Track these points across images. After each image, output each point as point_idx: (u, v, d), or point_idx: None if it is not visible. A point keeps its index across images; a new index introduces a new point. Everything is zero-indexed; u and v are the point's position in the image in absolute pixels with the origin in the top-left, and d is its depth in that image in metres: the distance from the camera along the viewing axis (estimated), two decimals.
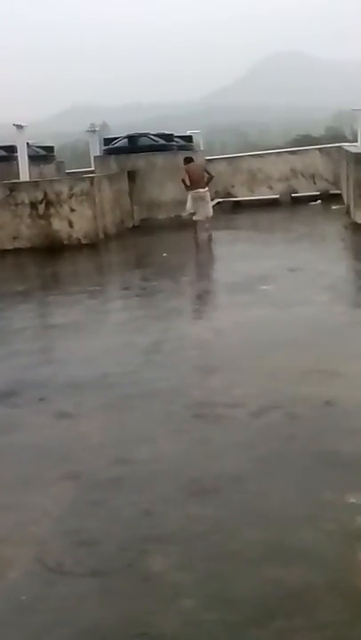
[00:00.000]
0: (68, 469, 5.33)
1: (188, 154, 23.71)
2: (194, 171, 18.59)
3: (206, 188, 18.52)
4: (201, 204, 18.51)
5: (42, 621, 3.64)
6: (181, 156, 23.29)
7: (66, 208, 18.00)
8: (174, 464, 5.30)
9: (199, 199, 18.46)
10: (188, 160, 19.19)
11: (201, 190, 18.40)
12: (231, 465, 5.21)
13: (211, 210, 18.91)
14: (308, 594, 3.67)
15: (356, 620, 3.43)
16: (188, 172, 18.42)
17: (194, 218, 18.50)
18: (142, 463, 5.37)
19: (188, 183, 18.37)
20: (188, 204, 18.60)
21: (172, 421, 6.13)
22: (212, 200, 19.33)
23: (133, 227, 21.22)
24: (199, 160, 20.10)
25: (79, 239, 17.92)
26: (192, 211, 18.65)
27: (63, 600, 3.80)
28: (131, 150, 22.72)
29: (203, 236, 18.28)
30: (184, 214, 19.28)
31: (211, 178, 18.81)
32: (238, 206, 24.25)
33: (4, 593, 3.89)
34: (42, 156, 24.33)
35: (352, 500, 4.53)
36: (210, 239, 18.18)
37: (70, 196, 18.01)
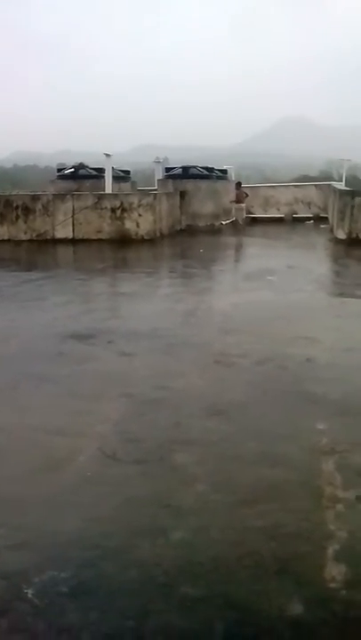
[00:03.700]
0: (125, 390, 5.34)
1: (223, 182, 23.72)
2: (239, 192, 22.88)
3: (244, 204, 22.93)
4: (240, 212, 22.77)
5: (101, 491, 3.66)
6: (219, 183, 23.30)
7: (135, 214, 17.93)
8: (199, 392, 5.29)
9: (239, 209, 22.78)
10: (238, 185, 23.43)
11: (241, 204, 22.83)
12: (238, 396, 5.20)
13: (244, 215, 23.00)
14: (285, 487, 3.66)
15: (316, 507, 3.42)
16: (237, 193, 22.79)
17: (236, 219, 22.52)
18: (176, 390, 5.37)
19: (234, 199, 22.86)
20: (233, 212, 22.96)
21: (199, 364, 6.11)
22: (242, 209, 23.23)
23: (181, 230, 21.11)
24: (240, 188, 23.50)
25: (142, 236, 17.85)
26: (231, 219, 22.94)
27: (115, 478, 3.82)
28: (183, 177, 22.58)
29: (239, 226, 21.94)
30: (216, 223, 20.49)
31: (247, 196, 23.40)
32: (255, 221, 24.05)
33: (76, 470, 3.91)
34: (121, 176, 24.23)
35: (320, 426, 4.50)
36: (244, 229, 21.48)
37: (139, 206, 17.93)
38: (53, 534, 3.21)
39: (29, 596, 2.70)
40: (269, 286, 10.39)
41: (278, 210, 25.94)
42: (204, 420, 4.70)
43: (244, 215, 22.88)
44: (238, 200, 22.76)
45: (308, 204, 25.90)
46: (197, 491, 3.63)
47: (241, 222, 22.17)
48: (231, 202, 22.90)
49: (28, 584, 2.77)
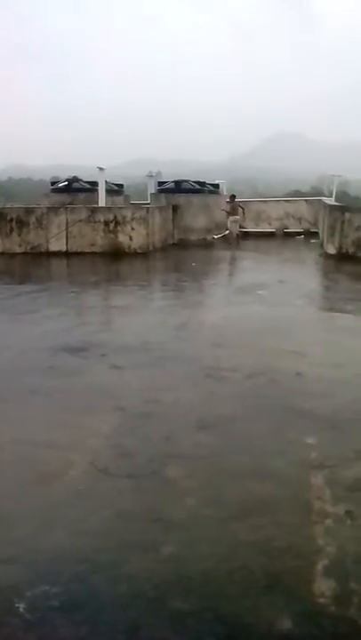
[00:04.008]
0: (116, 404, 5.34)
1: (215, 197, 23.79)
2: (234, 205, 21.99)
3: (238, 216, 22.04)
4: (234, 225, 21.84)
5: (92, 504, 3.66)
6: (211, 197, 23.37)
7: (128, 227, 17.96)
8: (189, 407, 5.29)
9: (233, 222, 21.81)
10: (232, 198, 22.41)
11: (236, 217, 21.90)
12: (228, 409, 5.20)
13: (237, 228, 22.13)
14: (274, 502, 3.67)
15: (305, 522, 3.43)
16: (231, 205, 21.90)
17: (231, 232, 21.82)
18: (167, 404, 5.37)
19: (229, 211, 21.81)
20: (228, 224, 21.92)
21: (190, 378, 6.12)
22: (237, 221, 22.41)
23: (173, 244, 21.15)
24: (234, 200, 22.48)
25: (135, 249, 17.87)
26: (223, 233, 22.17)
27: (107, 492, 3.82)
28: (176, 191, 22.67)
29: (233, 240, 21.29)
30: (208, 237, 20.36)
31: (243, 209, 22.89)
32: (246, 235, 24.12)
33: (68, 483, 3.91)
34: (115, 190, 24.32)
35: (309, 441, 4.51)
36: (238, 242, 21.18)
37: (132, 219, 17.96)
38: (44, 549, 3.20)
39: (21, 610, 2.69)
40: (260, 300, 10.42)
41: (270, 224, 26.03)
42: (194, 433, 4.70)
43: (238, 228, 22.39)
44: (233, 212, 22.21)
45: (299, 219, 26.00)
46: (188, 505, 3.64)
47: (235, 236, 21.75)
48: (223, 210, 22.21)
49: (20, 598, 2.76)
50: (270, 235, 25.06)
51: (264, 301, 10.34)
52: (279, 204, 27.35)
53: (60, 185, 24.21)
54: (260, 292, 11.19)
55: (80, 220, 18.01)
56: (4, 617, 2.66)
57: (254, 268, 15.44)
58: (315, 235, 23.14)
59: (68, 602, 2.76)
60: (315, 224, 24.84)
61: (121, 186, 26.14)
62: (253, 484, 3.88)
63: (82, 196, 22.25)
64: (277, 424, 4.90)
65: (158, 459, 4.23)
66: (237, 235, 22.05)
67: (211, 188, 24.55)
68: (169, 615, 2.69)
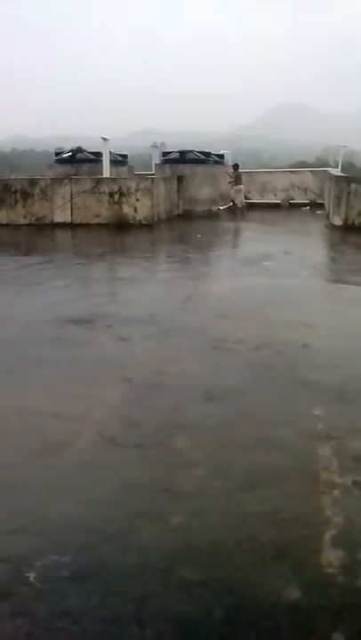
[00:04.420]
0: (123, 375, 5.33)
1: (220, 167, 23.56)
2: (238, 174, 22.22)
3: (242, 185, 22.15)
4: (238, 194, 21.97)
5: (99, 475, 3.66)
6: (216, 167, 23.14)
7: (133, 198, 17.83)
8: (195, 378, 5.28)
9: (238, 191, 21.96)
10: (236, 167, 22.81)
11: (240, 186, 22.05)
12: (234, 381, 5.19)
13: (243, 198, 22.29)
14: (281, 473, 3.66)
15: (312, 493, 3.43)
16: (235, 174, 22.13)
17: (236, 203, 21.88)
18: (174, 375, 5.36)
19: (233, 180, 21.95)
20: (232, 194, 22.02)
21: (196, 349, 6.10)
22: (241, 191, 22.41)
23: (178, 215, 21.00)
24: (238, 170, 22.80)
25: (140, 221, 17.76)
26: (228, 204, 22.13)
27: (114, 462, 3.82)
28: (180, 161, 22.42)
29: (238, 211, 21.34)
30: (214, 208, 20.28)
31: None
32: (252, 206, 23.92)
33: (75, 454, 3.90)
34: (119, 161, 24.06)
35: (316, 412, 4.50)
36: (243, 212, 21.28)
37: (136, 190, 17.83)
38: (52, 519, 3.21)
39: (31, 579, 2.70)
40: (266, 272, 10.35)
41: (275, 195, 25.81)
42: (201, 405, 4.69)
43: (243, 198, 22.35)
44: (237, 182, 22.18)
45: (305, 190, 25.78)
46: (196, 475, 3.63)
47: (240, 205, 21.70)
48: (230, 183, 22.12)
49: (30, 568, 2.77)
50: (276, 206, 24.87)
51: (270, 273, 10.27)
52: (285, 174, 27.08)
53: (64, 156, 23.96)
54: (265, 263, 11.11)
55: (85, 191, 17.87)
56: (15, 586, 2.67)
57: (260, 240, 15.33)
58: (320, 206, 22.96)
59: (77, 572, 2.76)
60: (320, 195, 24.63)
61: (125, 156, 25.88)
62: (261, 454, 3.87)
63: (86, 166, 22.03)
64: (284, 396, 4.89)
65: (165, 429, 4.23)
66: (243, 206, 21.93)
67: (216, 158, 24.27)
68: (177, 585, 2.70)
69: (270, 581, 2.71)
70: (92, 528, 3.11)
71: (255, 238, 15.87)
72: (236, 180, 22.10)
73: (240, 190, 22.05)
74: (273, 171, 28.76)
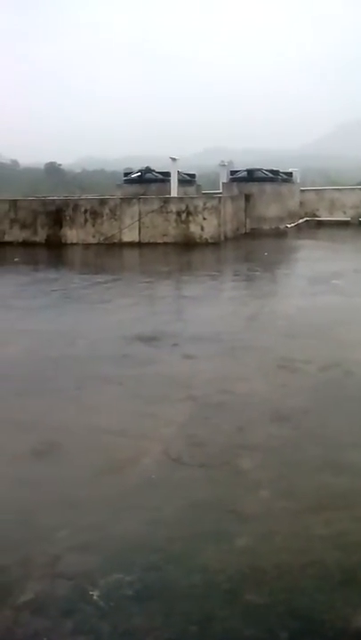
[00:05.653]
0: (189, 393, 5.33)
1: (288, 185, 23.48)
2: None
3: None
4: None
5: (164, 494, 3.66)
6: (284, 186, 23.08)
7: (200, 217, 17.95)
8: (262, 397, 5.24)
9: None
10: None
11: None
12: (302, 402, 5.12)
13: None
14: (351, 496, 3.58)
15: None
16: None
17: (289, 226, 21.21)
18: (240, 395, 5.33)
19: None
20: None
21: (263, 368, 6.06)
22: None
23: (245, 233, 21.00)
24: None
25: (207, 239, 17.83)
26: (298, 221, 22.05)
27: (180, 481, 3.81)
28: (248, 180, 22.46)
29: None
30: (281, 226, 20.14)
31: None
32: (320, 224, 23.72)
33: (140, 472, 3.92)
34: (187, 180, 24.23)
35: None
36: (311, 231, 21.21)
37: (204, 209, 17.94)
38: (117, 536, 3.22)
39: (95, 598, 2.71)
40: (335, 290, 10.22)
41: (344, 213, 25.50)
42: (267, 425, 4.65)
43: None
44: None
45: None
46: (261, 496, 3.59)
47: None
48: None
49: (94, 586, 2.78)
50: (345, 223, 24.58)
51: (339, 291, 10.13)
52: (354, 191, 26.73)
53: (133, 176, 24.32)
54: (334, 281, 10.97)
55: (153, 211, 18.09)
56: (78, 604, 2.69)
57: (328, 258, 15.15)
58: None
59: (141, 591, 2.76)
60: None
61: (193, 176, 26.05)
62: (329, 477, 3.80)
63: (154, 186, 22.31)
64: (353, 417, 4.79)
65: (231, 449, 4.20)
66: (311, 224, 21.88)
67: (284, 176, 24.21)
68: (242, 607, 2.66)
69: (337, 607, 2.64)
70: (156, 547, 3.11)
71: (324, 256, 15.70)
72: None
73: None
74: (342, 188, 28.45)
